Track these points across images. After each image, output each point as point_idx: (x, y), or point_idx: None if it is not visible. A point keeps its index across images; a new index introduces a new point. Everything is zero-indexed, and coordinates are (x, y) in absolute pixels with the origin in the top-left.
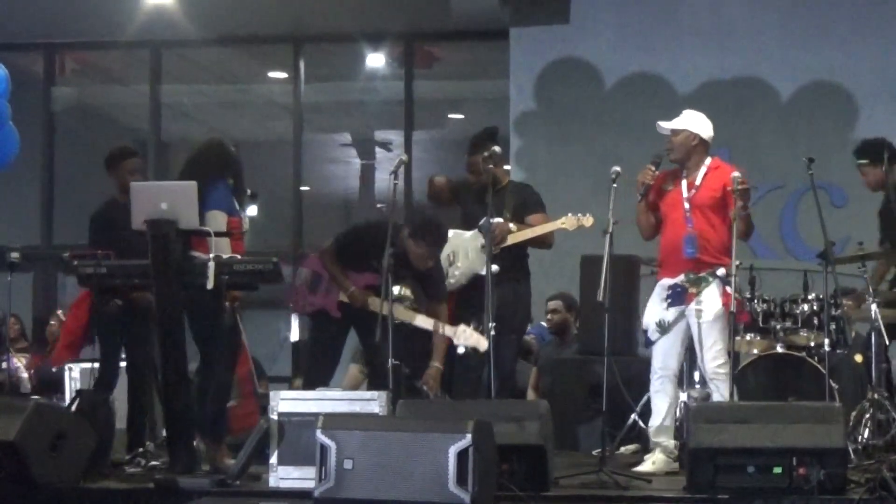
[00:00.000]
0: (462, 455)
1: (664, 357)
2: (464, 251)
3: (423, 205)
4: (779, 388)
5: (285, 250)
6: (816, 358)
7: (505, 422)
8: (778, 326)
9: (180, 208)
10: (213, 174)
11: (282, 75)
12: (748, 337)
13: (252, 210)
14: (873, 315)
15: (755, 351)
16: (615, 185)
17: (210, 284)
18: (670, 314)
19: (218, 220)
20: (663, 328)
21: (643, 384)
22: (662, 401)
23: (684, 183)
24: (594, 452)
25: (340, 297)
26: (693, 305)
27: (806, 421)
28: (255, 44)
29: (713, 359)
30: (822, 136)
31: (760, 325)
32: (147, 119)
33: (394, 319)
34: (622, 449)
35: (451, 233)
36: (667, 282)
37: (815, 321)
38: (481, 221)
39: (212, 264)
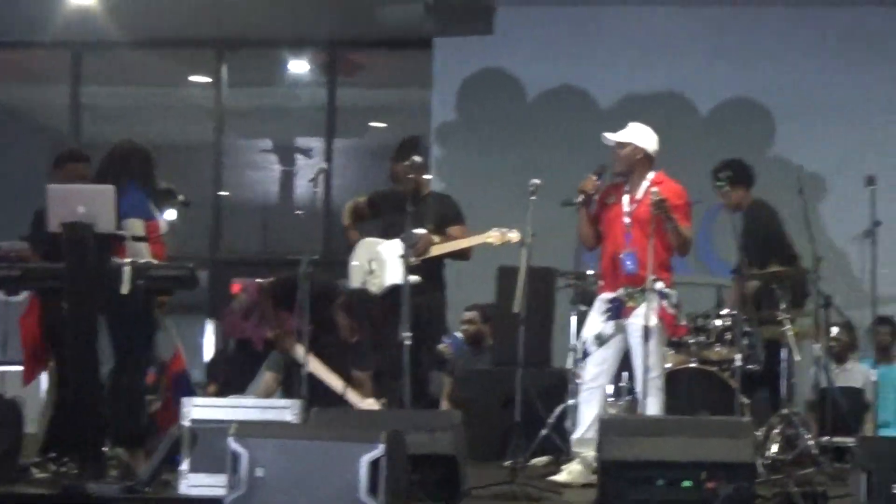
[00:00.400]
0: (374, 465)
1: (598, 369)
2: (382, 261)
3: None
4: (691, 403)
5: (203, 255)
6: (728, 373)
7: (417, 432)
8: (692, 341)
9: (97, 212)
10: (124, 179)
11: (204, 79)
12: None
13: (171, 214)
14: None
15: (669, 365)
16: (534, 198)
17: (125, 289)
18: (608, 327)
19: (135, 227)
20: (601, 340)
21: (557, 395)
22: (590, 412)
23: (626, 197)
24: (506, 463)
25: (268, 334)
26: (631, 319)
27: (716, 435)
28: (177, 47)
29: (653, 369)
30: (739, 152)
31: (674, 339)
32: (67, 121)
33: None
34: (535, 460)
35: (368, 240)
36: (606, 296)
37: (728, 336)
38: (406, 232)
39: (127, 269)
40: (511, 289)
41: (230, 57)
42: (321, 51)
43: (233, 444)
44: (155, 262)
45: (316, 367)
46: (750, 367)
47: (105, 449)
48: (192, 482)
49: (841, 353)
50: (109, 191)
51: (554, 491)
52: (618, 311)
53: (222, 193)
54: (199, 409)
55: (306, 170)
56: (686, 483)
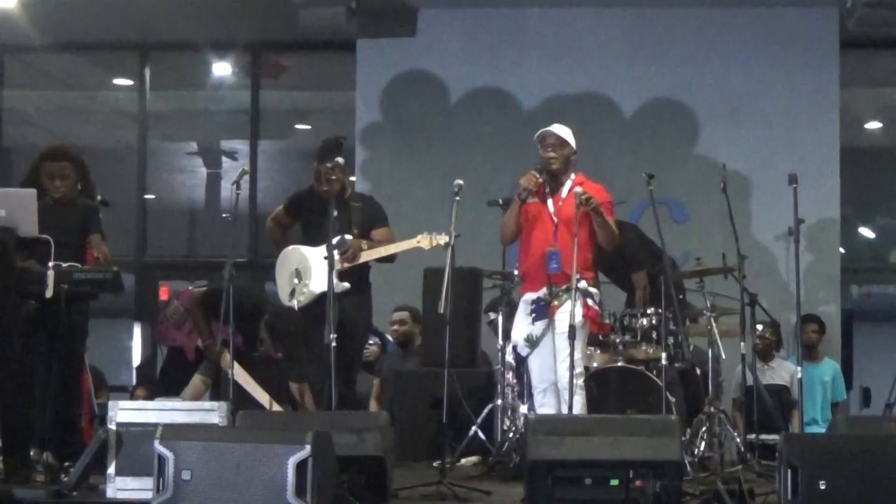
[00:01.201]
0: (301, 466)
1: (541, 371)
2: (309, 268)
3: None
4: (619, 402)
5: (129, 259)
6: (655, 372)
7: (345, 433)
8: (618, 340)
9: (19, 216)
10: None
11: (127, 83)
12: (588, 350)
13: None
14: (711, 330)
15: (595, 364)
16: (458, 198)
17: (49, 293)
18: (537, 328)
19: None
20: (532, 343)
21: (484, 396)
22: (549, 412)
23: (550, 198)
24: (435, 464)
25: (198, 344)
26: (557, 316)
27: (643, 434)
28: (100, 50)
29: (567, 369)
30: (664, 152)
31: (601, 338)
32: None
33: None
34: (463, 460)
35: (291, 248)
36: (530, 296)
37: (654, 335)
38: (336, 239)
39: (51, 273)
40: (438, 289)
41: (153, 60)
42: (244, 53)
43: (159, 447)
44: (79, 266)
45: (245, 378)
46: (677, 365)
47: (32, 453)
48: (118, 486)
49: (765, 351)
50: (31, 194)
51: (482, 491)
52: (544, 311)
53: (148, 197)
54: (125, 412)
55: (232, 172)
56: (614, 482)
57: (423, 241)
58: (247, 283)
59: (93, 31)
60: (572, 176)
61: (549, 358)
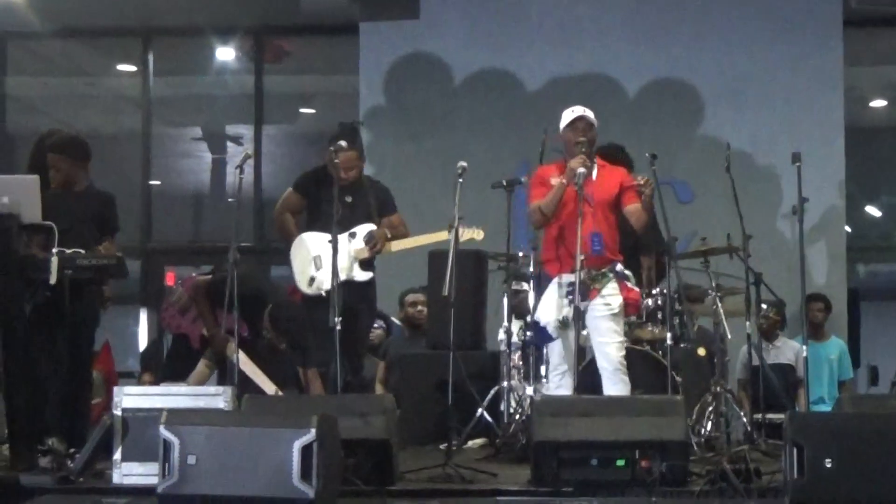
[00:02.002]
0: (306, 450)
1: (564, 353)
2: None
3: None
4: None
5: (133, 245)
6: (660, 352)
7: (350, 416)
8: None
9: (22, 202)
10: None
11: (130, 68)
12: None
13: None
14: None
15: None
16: (461, 181)
17: (53, 280)
18: (573, 311)
19: None
20: (566, 324)
21: (490, 378)
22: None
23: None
24: (441, 447)
25: (204, 331)
26: (598, 300)
27: (648, 414)
28: (103, 36)
29: (618, 351)
30: (667, 133)
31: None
32: None
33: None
34: (469, 443)
35: (308, 235)
36: (567, 278)
37: (659, 315)
38: (362, 229)
39: (54, 259)
40: (442, 273)
41: (156, 45)
42: (248, 37)
43: (164, 433)
44: (83, 252)
45: (250, 368)
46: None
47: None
48: (124, 471)
49: (770, 330)
50: (34, 181)
51: (488, 473)
52: (582, 294)
53: (153, 182)
54: (130, 397)
55: (236, 157)
56: (620, 462)
57: (451, 233)
58: (250, 270)
59: (96, 16)
60: (595, 159)
61: (574, 343)
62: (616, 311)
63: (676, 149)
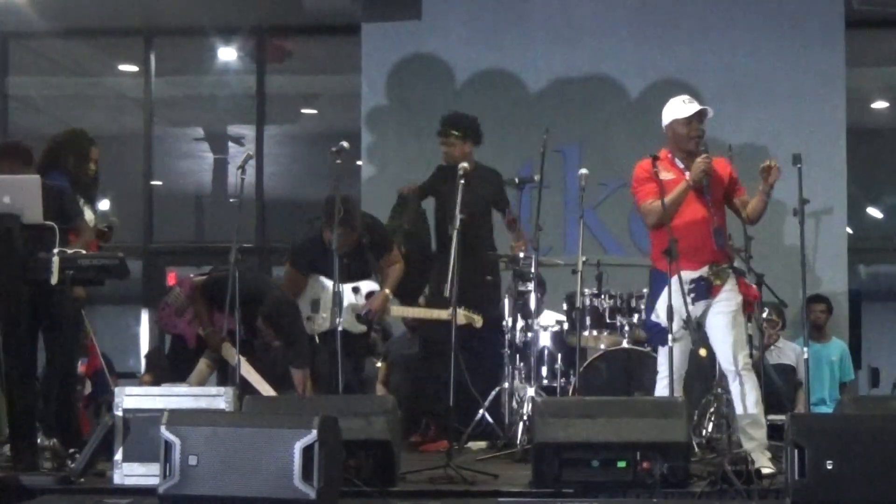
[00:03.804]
0: (307, 450)
1: (681, 359)
2: (327, 302)
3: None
4: (625, 383)
5: (135, 245)
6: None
7: (352, 417)
8: (624, 321)
9: (24, 202)
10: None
11: (132, 68)
12: (594, 332)
13: (104, 204)
14: None
15: (602, 346)
16: (463, 182)
17: (54, 280)
18: (697, 309)
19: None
20: (692, 325)
21: (492, 379)
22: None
23: (688, 174)
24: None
25: (200, 332)
26: (722, 296)
27: (650, 415)
28: (105, 36)
29: (742, 349)
30: None
31: (607, 320)
32: None
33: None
34: (470, 444)
35: (315, 278)
36: (688, 275)
37: None
38: (366, 291)
39: (55, 259)
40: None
41: (158, 45)
42: (250, 38)
43: (165, 433)
44: (83, 252)
45: (247, 369)
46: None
47: (39, 440)
48: (125, 472)
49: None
50: (35, 181)
51: (490, 474)
52: (705, 291)
53: (154, 183)
54: (131, 398)
55: (238, 157)
56: (621, 463)
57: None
58: (245, 270)
59: (97, 16)
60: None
61: (688, 347)
62: (734, 308)
63: None
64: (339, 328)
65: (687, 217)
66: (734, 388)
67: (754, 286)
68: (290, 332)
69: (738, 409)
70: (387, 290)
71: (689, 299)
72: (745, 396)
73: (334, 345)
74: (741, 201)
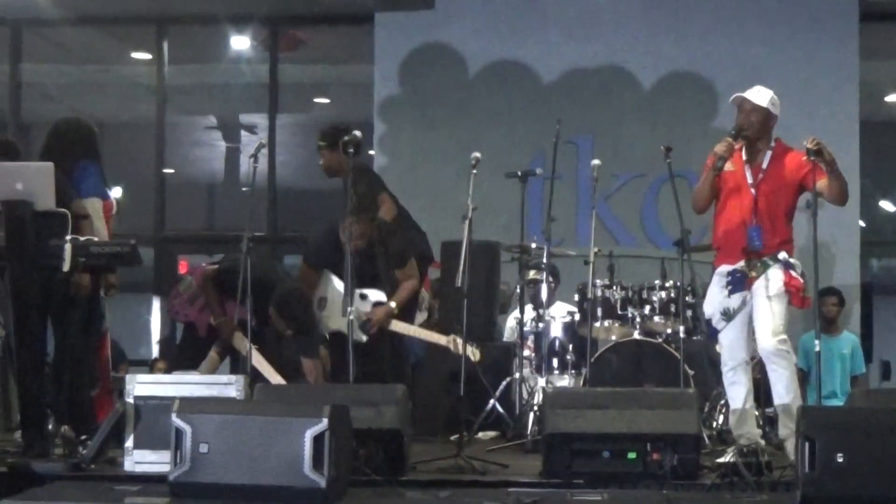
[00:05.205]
0: (318, 439)
1: (732, 348)
2: (334, 303)
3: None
4: (636, 375)
5: (147, 233)
6: (673, 345)
7: (362, 406)
8: (635, 313)
9: (36, 189)
10: (83, 157)
11: (145, 56)
12: (606, 323)
13: (117, 192)
14: None
15: (613, 337)
16: (475, 171)
17: (66, 267)
18: (734, 301)
19: (96, 207)
20: (728, 316)
21: (502, 370)
22: (738, 391)
23: (749, 167)
24: (452, 438)
25: (211, 321)
26: (760, 282)
27: (660, 407)
28: (117, 24)
29: (775, 334)
30: (683, 125)
31: (618, 311)
32: (7, 99)
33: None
34: (480, 434)
35: (326, 275)
36: (725, 268)
37: (672, 308)
38: (374, 299)
39: (68, 246)
40: (455, 263)
41: (171, 33)
42: (263, 27)
43: (176, 421)
44: (96, 239)
45: (257, 358)
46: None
47: (50, 427)
48: (136, 459)
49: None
50: (48, 168)
51: (500, 464)
52: (740, 283)
53: (166, 171)
54: (142, 385)
55: (251, 146)
56: (631, 455)
57: (451, 343)
58: (256, 259)
59: (110, 4)
60: (772, 144)
61: (743, 334)
62: (773, 292)
63: (691, 141)
64: (351, 317)
65: (728, 210)
66: (740, 378)
67: (799, 278)
68: (301, 321)
69: (774, 397)
70: (393, 304)
71: (726, 291)
72: (775, 383)
73: (343, 342)
74: (821, 188)
